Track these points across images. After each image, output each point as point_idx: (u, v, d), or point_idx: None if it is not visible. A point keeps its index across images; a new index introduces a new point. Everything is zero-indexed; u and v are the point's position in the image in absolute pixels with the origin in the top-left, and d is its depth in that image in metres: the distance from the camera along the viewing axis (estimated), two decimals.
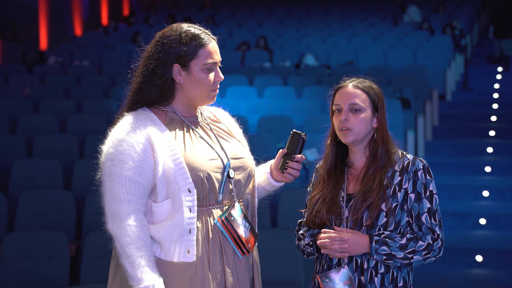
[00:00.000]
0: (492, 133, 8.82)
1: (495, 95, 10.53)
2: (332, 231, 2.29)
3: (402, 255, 2.24)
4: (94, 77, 9.62)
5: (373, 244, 2.24)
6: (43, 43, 13.11)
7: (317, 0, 17.07)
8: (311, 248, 2.38)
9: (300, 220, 2.50)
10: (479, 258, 5.85)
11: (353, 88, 2.34)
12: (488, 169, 7.64)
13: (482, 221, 6.47)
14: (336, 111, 2.37)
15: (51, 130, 7.35)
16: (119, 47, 11.94)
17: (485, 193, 7.04)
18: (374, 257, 2.25)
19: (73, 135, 6.95)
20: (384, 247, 2.24)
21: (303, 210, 2.47)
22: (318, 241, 2.30)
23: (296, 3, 16.93)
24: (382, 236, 2.25)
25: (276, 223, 5.33)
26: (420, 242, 2.26)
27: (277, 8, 16.26)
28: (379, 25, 13.61)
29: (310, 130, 6.71)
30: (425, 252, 2.26)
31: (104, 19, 16.21)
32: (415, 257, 2.25)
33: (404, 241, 2.25)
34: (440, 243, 2.28)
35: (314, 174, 2.51)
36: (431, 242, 2.27)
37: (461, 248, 5.88)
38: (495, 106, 9.91)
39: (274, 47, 11.76)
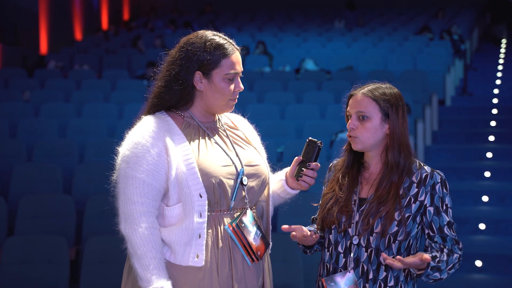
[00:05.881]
0: (491, 138, 8.80)
1: (495, 100, 10.54)
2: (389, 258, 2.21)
3: (446, 275, 2.27)
4: (94, 81, 9.62)
5: (428, 269, 2.23)
6: (43, 47, 13.13)
7: (317, 5, 17.10)
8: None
9: (313, 217, 2.51)
10: (478, 263, 5.85)
11: (361, 96, 2.33)
12: (487, 174, 7.64)
13: (482, 226, 6.47)
14: (349, 117, 2.36)
15: (51, 134, 7.36)
16: (119, 51, 11.95)
17: (485, 198, 7.03)
18: (422, 278, 2.27)
19: (73, 139, 6.95)
20: (437, 274, 2.25)
21: (317, 204, 2.46)
22: (386, 261, 2.20)
23: (296, 8, 16.97)
24: (436, 260, 2.23)
25: (276, 228, 5.33)
26: (455, 255, 2.28)
27: (277, 13, 16.30)
28: (379, 30, 13.63)
29: (310, 135, 6.69)
30: (457, 263, 2.29)
31: (104, 24, 16.24)
32: (450, 271, 2.28)
33: (445, 257, 2.26)
34: (461, 253, 2.31)
35: (327, 173, 2.51)
36: (459, 253, 2.29)
37: None
38: (494, 111, 9.90)
39: (274, 52, 11.76)
